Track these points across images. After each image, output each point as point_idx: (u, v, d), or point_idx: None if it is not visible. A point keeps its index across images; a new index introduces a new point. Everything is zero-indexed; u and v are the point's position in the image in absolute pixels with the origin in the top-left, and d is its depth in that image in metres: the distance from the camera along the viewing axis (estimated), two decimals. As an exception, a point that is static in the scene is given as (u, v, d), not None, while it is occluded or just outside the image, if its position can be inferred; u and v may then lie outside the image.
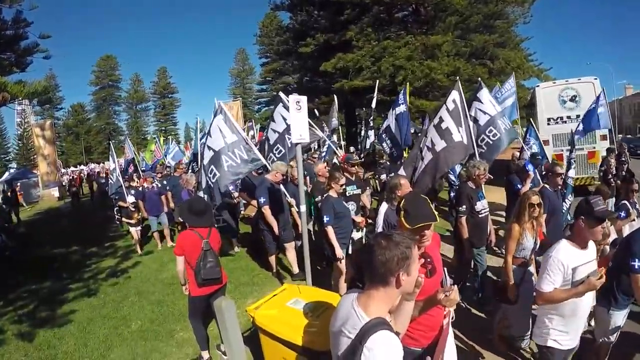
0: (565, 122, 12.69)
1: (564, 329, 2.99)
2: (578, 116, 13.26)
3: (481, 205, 5.28)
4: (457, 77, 7.32)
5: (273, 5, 30.01)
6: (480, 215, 5.27)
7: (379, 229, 4.31)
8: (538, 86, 14.52)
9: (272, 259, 6.71)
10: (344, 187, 5.55)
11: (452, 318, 2.49)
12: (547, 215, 5.12)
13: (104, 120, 71.62)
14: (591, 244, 2.93)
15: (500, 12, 25.46)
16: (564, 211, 6.38)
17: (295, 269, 6.59)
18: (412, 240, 1.86)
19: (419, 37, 23.40)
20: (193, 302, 4.41)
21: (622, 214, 5.03)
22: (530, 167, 7.25)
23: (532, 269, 4.19)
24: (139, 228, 9.61)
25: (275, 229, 6.24)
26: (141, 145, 37.00)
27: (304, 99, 4.53)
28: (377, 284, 1.78)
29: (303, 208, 4.72)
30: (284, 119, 7.28)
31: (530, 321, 3.95)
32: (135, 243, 9.65)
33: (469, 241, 5.22)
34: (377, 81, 14.17)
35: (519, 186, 6.84)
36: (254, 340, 3.94)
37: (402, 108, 9.27)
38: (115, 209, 12.26)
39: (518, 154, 9.76)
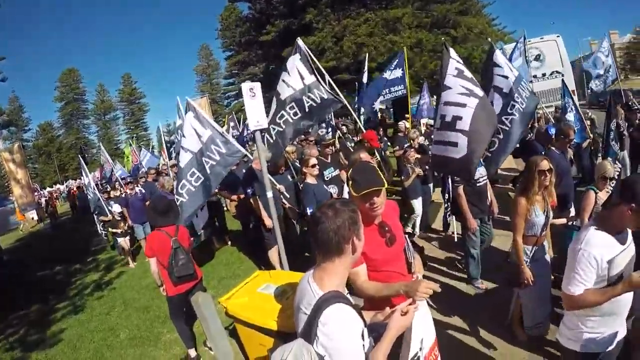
0: (532, 81, 12.71)
1: (600, 330, 2.38)
2: (544, 74, 13.46)
3: (478, 174, 5.00)
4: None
5: (231, -4, 29.32)
6: (478, 184, 5.05)
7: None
8: (502, 49, 14.80)
9: (273, 254, 5.90)
10: (317, 169, 5.29)
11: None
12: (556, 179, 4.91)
13: (74, 136, 69.82)
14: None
15: None
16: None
17: (278, 268, 6.20)
18: (354, 203, 1.87)
19: (378, 13, 23.45)
20: (172, 302, 4.42)
21: None
22: (553, 131, 6.84)
23: (545, 245, 3.78)
24: (127, 238, 9.20)
25: (267, 221, 5.65)
26: (115, 156, 36.32)
27: (257, 85, 4.51)
28: (332, 256, 1.76)
29: (270, 194, 4.70)
30: (301, 76, 6.05)
31: (549, 306, 3.70)
32: (126, 255, 9.20)
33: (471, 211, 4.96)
34: (366, 55, 14.21)
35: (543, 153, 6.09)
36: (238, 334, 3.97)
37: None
38: (100, 224, 11.76)
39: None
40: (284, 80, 6.09)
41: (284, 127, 6.04)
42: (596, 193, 4.22)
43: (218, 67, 69.15)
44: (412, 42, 21.74)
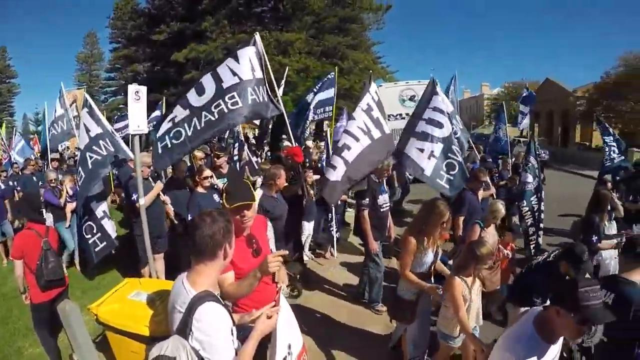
0: (404, 118, 13.56)
1: None
2: None
3: (383, 200, 5.37)
4: (370, 71, 7.68)
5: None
6: (382, 210, 5.37)
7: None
8: (381, 86, 15.88)
9: (145, 272, 5.46)
10: (209, 182, 5.30)
11: (286, 294, 2.65)
12: (466, 216, 5.40)
13: None
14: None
15: (355, 16, 27.53)
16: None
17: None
18: (230, 216, 2.08)
19: (273, 33, 24.10)
20: (37, 310, 4.10)
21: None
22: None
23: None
24: None
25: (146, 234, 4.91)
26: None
27: (143, 89, 4.48)
28: (205, 259, 1.93)
29: (142, 201, 4.60)
30: (252, 68, 5.41)
31: (427, 341, 3.85)
32: None
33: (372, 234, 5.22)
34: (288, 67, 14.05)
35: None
36: (106, 345, 3.74)
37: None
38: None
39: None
40: (230, 68, 5.36)
41: (216, 116, 5.20)
42: (482, 228, 4.69)
43: (101, 58, 63.37)
44: (300, 67, 22.84)
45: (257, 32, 5.92)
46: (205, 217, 1.94)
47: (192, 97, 5.20)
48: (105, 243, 5.73)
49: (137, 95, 4.41)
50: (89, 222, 5.75)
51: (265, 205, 4.44)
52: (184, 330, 1.77)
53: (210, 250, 1.91)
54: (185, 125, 5.01)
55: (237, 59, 5.35)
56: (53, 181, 7.12)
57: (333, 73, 9.62)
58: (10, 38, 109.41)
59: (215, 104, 5.15)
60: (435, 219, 3.52)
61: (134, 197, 5.15)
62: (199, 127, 5.07)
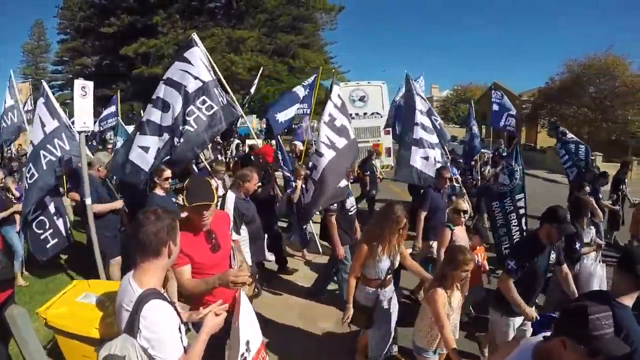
0: (354, 118, 13.88)
1: None
2: (365, 113, 15.26)
3: (350, 203, 5.40)
4: (333, 70, 7.60)
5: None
6: (349, 213, 5.40)
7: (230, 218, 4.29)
8: (335, 85, 16.51)
9: (115, 270, 5.40)
10: (169, 183, 5.22)
11: (248, 292, 2.63)
12: (429, 213, 5.56)
13: None
14: None
15: (309, 16, 27.77)
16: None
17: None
18: (175, 213, 2.10)
19: (225, 30, 23.97)
20: None
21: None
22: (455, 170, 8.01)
23: (389, 289, 3.78)
24: None
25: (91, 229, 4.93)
26: None
27: (90, 84, 4.40)
28: (150, 257, 1.92)
29: (89, 201, 4.60)
30: (207, 68, 5.20)
31: (388, 344, 3.85)
32: None
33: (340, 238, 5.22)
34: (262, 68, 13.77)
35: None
36: (58, 351, 3.60)
37: None
38: None
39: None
40: (187, 72, 5.00)
41: (195, 126, 4.87)
42: (452, 230, 4.58)
43: (48, 49, 60.26)
44: (251, 65, 22.92)
45: (195, 32, 5.80)
46: (150, 215, 1.94)
47: (158, 117, 4.99)
48: (57, 240, 5.56)
49: (83, 91, 4.34)
50: (42, 217, 5.50)
51: (240, 209, 4.45)
52: (132, 328, 1.78)
53: (154, 248, 1.90)
54: (167, 149, 4.95)
55: (188, 61, 5.09)
56: (1, 181, 6.38)
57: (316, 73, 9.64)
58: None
59: (187, 111, 4.87)
60: (391, 225, 3.46)
61: (87, 200, 4.85)
62: (178, 144, 4.91)
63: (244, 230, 4.58)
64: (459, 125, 33.69)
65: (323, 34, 31.66)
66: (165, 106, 4.98)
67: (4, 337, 3.86)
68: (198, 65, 5.07)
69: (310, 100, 9.26)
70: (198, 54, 5.17)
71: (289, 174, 7.52)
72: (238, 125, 12.15)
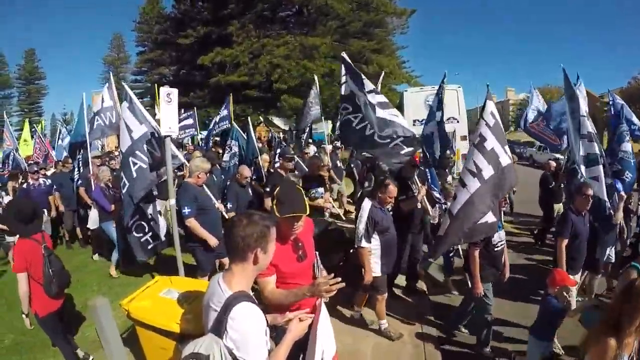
0: None
1: None
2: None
3: (498, 238, 4.68)
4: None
5: (157, -11, 27.31)
6: (496, 249, 4.71)
7: (362, 226, 4.38)
8: (406, 91, 15.79)
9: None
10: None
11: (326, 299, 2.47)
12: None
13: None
14: None
15: (380, 21, 27.45)
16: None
17: None
18: (272, 221, 2.02)
19: (298, 38, 24.26)
20: (48, 323, 3.90)
21: None
22: None
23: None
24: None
25: (211, 240, 5.07)
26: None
27: (174, 91, 4.51)
28: (237, 260, 1.92)
29: (172, 201, 4.69)
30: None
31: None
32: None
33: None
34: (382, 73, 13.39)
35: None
36: (133, 341, 3.83)
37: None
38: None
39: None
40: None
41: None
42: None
43: (127, 60, 65.03)
44: (325, 71, 22.82)
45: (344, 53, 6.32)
46: (242, 218, 1.94)
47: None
48: (157, 241, 5.45)
49: (168, 98, 4.44)
50: (141, 222, 5.29)
51: (374, 218, 4.45)
52: (219, 329, 1.78)
53: (240, 251, 1.90)
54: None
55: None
56: (109, 180, 6.87)
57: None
58: (38, 41, 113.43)
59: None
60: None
61: (185, 211, 4.94)
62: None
63: (375, 239, 4.51)
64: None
65: (394, 39, 31.30)
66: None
67: (68, 333, 4.27)
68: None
69: None
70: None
71: (438, 196, 6.46)
72: (307, 131, 11.85)
